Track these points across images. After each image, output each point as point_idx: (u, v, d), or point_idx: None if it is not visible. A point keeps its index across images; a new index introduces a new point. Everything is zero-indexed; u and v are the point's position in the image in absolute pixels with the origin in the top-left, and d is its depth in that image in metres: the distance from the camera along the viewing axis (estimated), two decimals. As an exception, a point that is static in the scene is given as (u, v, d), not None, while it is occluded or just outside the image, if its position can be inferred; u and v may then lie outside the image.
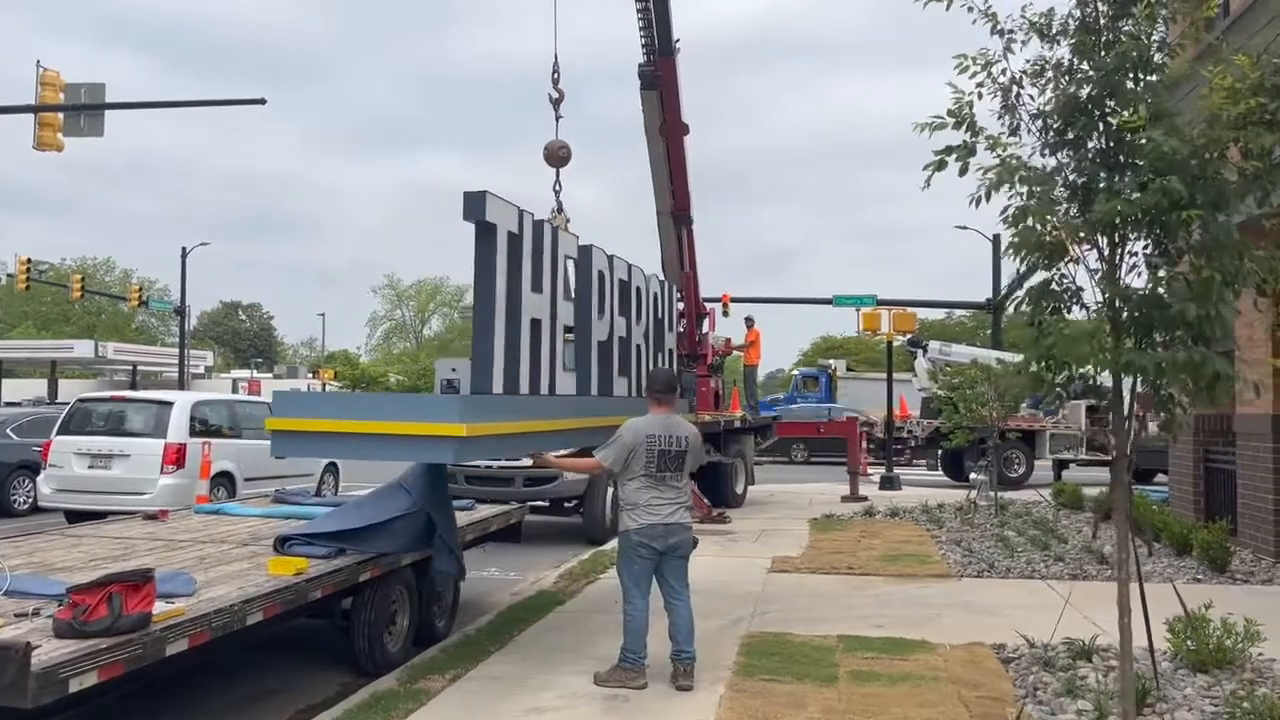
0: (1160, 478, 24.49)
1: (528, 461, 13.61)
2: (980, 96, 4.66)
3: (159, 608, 4.78)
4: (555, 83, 8.54)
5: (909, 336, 24.20)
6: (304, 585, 5.84)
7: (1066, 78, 4.55)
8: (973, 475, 17.23)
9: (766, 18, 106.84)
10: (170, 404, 13.34)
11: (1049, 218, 4.50)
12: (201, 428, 13.42)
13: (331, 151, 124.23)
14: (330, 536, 6.67)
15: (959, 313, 48.13)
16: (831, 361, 43.48)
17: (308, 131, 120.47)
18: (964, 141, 4.70)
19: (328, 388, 51.94)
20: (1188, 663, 6.51)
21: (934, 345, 25.58)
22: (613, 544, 12.57)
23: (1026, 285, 4.73)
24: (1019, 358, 14.82)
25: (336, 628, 6.94)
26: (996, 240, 39.81)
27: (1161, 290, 4.22)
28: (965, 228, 41.03)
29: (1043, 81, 4.63)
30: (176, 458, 12.80)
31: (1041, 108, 4.69)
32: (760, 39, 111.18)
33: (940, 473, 24.93)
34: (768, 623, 7.97)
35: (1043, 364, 4.65)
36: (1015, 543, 11.94)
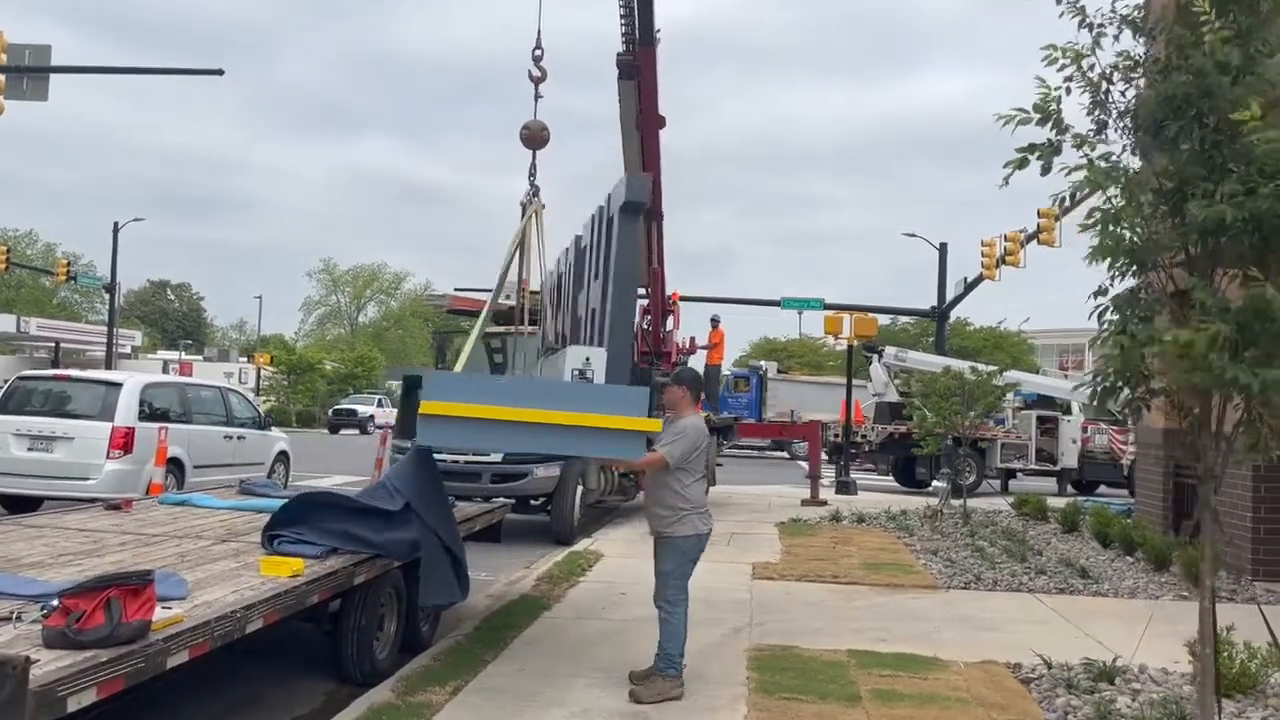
0: (1102, 489, 25.03)
1: (496, 457, 13.30)
2: (1069, 91, 4.39)
3: (156, 614, 4.31)
4: (537, 60, 8.01)
5: (863, 341, 24.16)
6: (304, 589, 5.39)
7: (1162, 75, 4.30)
8: (937, 483, 17.19)
9: (699, 19, 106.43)
10: (119, 385, 12.61)
11: (1139, 222, 4.23)
12: (151, 411, 12.71)
13: (265, 132, 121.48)
14: (324, 534, 6.22)
15: (902, 319, 48.49)
16: (762, 363, 43.44)
17: (241, 111, 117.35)
18: (1049, 140, 4.43)
19: (263, 373, 50.65)
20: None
21: (889, 351, 25.60)
22: (583, 545, 12.26)
23: (1112, 293, 4.47)
24: (992, 367, 14.65)
25: (323, 632, 6.47)
26: (944, 249, 40.28)
27: (1267, 303, 3.97)
28: (913, 235, 41.33)
29: (1136, 76, 4.37)
30: (124, 442, 12.09)
31: (1130, 105, 4.43)
32: (694, 39, 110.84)
33: (891, 478, 24.99)
34: (768, 634, 7.68)
35: (1121, 376, 4.39)
36: (991, 553, 11.82)
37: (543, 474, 12.69)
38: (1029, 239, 29.12)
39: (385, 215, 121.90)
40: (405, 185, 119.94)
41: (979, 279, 33.34)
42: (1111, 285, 4.48)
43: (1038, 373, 33.13)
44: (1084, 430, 24.42)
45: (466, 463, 13.28)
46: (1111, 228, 4.28)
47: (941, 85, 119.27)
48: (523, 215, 7.57)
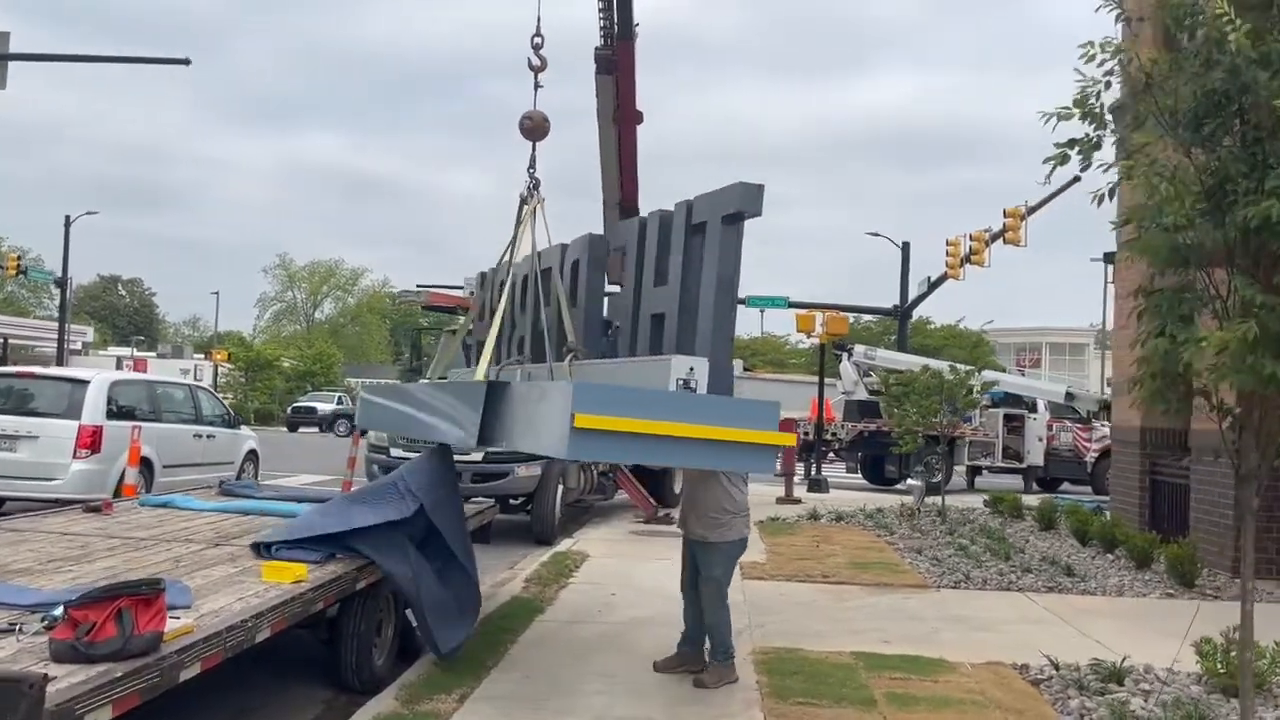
0: (1066, 486, 25.30)
1: (477, 456, 13.08)
2: (1108, 85, 4.31)
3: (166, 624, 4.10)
4: (537, 49, 7.74)
5: (835, 339, 24.16)
6: (310, 595, 5.19)
7: (1204, 68, 4.23)
8: (911, 481, 17.24)
9: (658, 19, 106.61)
10: (86, 383, 12.21)
11: (1183, 217, 4.16)
12: (118, 410, 12.33)
13: (218, 126, 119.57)
14: (319, 540, 6.00)
15: (865, 318, 48.74)
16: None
17: (194, 104, 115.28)
18: (1087, 135, 4.35)
19: (220, 369, 49.82)
20: (1219, 687, 6.34)
21: (859, 349, 25.65)
22: (566, 545, 12.09)
23: (1150, 292, 4.40)
24: (970, 366, 14.68)
25: (319, 640, 6.26)
26: (906, 248, 40.51)
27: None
28: (877, 234, 41.54)
29: (1176, 72, 4.30)
30: (91, 441, 11.71)
31: (1170, 102, 4.36)
32: (653, 37, 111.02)
33: (860, 475, 25.10)
34: (769, 636, 7.58)
35: (1161, 378, 4.32)
36: (974, 552, 11.82)
37: (524, 473, 12.53)
38: (994, 238, 29.35)
39: (340, 210, 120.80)
40: (359, 179, 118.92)
41: (943, 278, 33.53)
42: (1150, 284, 4.41)
43: (1004, 372, 33.37)
44: (1049, 428, 24.67)
45: (445, 462, 13.09)
46: (1154, 224, 4.20)
47: (895, 87, 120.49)
48: (521, 209, 7.36)
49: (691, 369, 5.04)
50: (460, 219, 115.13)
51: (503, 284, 7.49)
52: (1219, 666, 6.38)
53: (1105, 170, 4.37)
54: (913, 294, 37.89)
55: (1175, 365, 4.21)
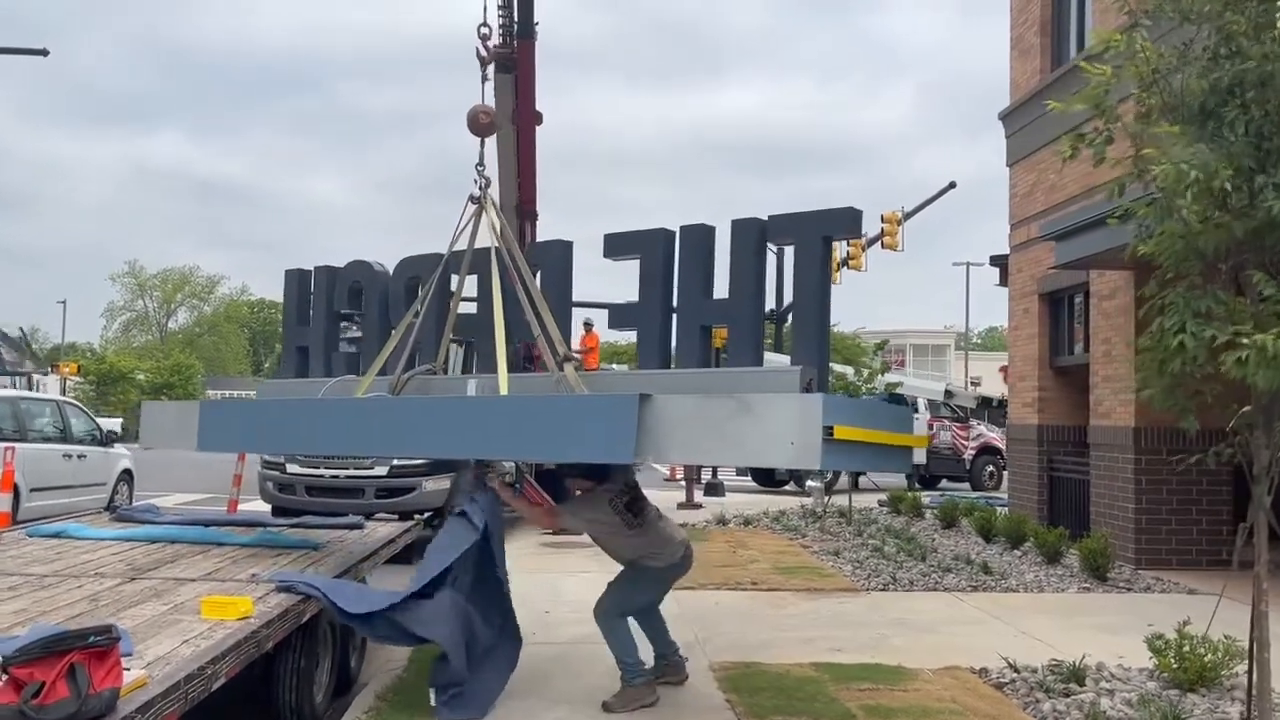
0: (945, 483, 25.99)
1: (381, 470, 12.47)
2: (1119, 79, 4.22)
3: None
4: (485, 39, 7.24)
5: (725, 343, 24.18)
6: (263, 632, 4.67)
7: (1212, 62, 4.18)
8: (811, 483, 17.34)
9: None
10: (-58, 400, 11.14)
11: (1196, 212, 4.09)
12: (-23, 429, 11.30)
13: (49, 125, 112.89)
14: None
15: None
16: (614, 366, 43.23)
17: (18, 101, 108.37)
18: (1096, 128, 4.25)
19: (69, 383, 46.80)
20: (1174, 682, 6.39)
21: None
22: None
23: (1163, 293, 4.33)
24: (871, 369, 14.77)
25: (253, 675, 5.69)
26: (781, 254, 41.18)
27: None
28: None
29: (1185, 67, 4.24)
30: (-52, 465, 10.65)
31: (1177, 96, 4.30)
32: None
33: (749, 478, 25.24)
34: (721, 650, 7.35)
35: (1174, 378, 4.25)
36: (890, 553, 11.87)
37: (432, 487, 12.02)
38: (871, 242, 29.97)
39: (190, 214, 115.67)
40: (206, 182, 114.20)
41: (820, 281, 34.09)
42: (1163, 281, 4.34)
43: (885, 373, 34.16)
44: (930, 427, 25.24)
45: (348, 477, 12.44)
46: (1168, 220, 4.13)
47: (745, 95, 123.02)
48: (470, 209, 6.89)
49: (812, 379, 5.02)
50: (310, 222, 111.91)
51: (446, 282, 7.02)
52: (1172, 662, 6.43)
53: (1114, 165, 4.27)
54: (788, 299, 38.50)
55: (1192, 364, 4.13)
